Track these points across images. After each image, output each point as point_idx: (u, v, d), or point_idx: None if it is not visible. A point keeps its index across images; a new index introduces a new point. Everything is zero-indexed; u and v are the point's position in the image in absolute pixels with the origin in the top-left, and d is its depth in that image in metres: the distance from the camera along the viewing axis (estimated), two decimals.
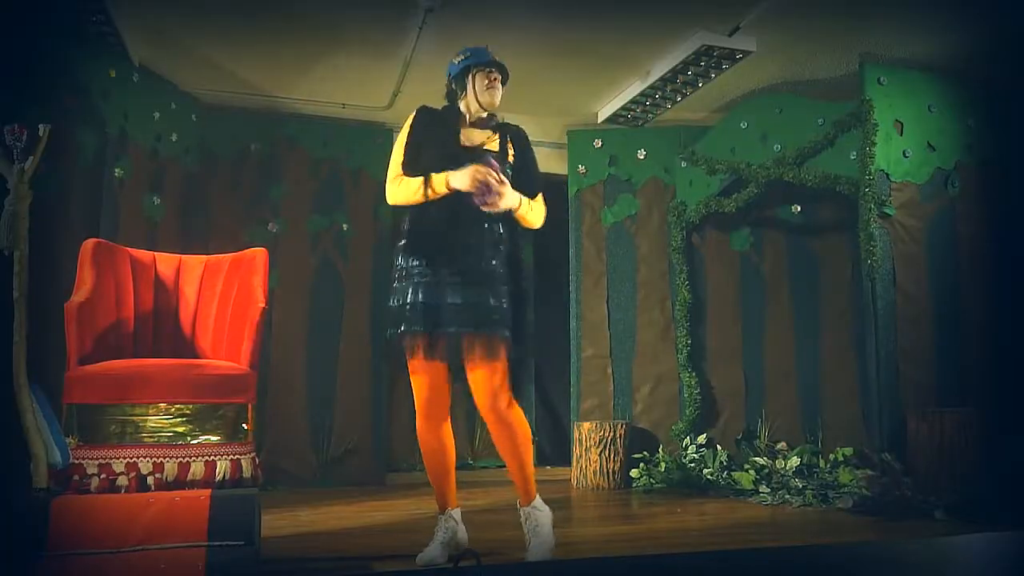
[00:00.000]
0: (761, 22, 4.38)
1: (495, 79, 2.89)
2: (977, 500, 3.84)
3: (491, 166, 2.68)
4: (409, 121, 2.93)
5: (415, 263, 2.79)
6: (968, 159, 4.77)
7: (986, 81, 4.85)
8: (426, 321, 2.71)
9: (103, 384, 2.74)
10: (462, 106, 2.94)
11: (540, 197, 2.94)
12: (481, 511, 4.13)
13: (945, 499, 3.88)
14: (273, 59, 4.84)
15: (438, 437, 2.89)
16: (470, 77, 2.90)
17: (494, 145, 2.90)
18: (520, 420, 2.82)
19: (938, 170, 4.70)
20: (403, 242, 2.87)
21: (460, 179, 2.67)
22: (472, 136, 2.92)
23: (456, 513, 2.95)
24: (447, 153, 2.79)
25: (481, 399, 2.74)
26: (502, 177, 2.71)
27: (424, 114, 2.94)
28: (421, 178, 2.75)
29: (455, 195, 2.71)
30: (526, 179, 2.90)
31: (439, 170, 2.73)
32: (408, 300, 2.77)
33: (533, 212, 2.88)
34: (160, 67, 4.84)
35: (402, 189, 2.82)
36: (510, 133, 2.97)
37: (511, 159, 2.90)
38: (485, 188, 2.65)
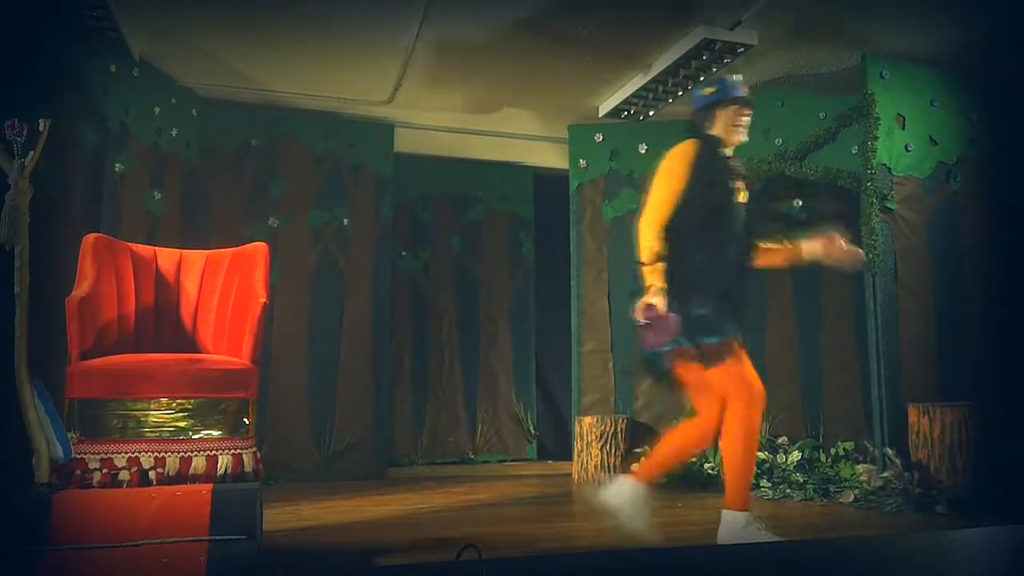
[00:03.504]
0: (762, 16, 4.36)
1: (743, 112, 2.91)
2: (978, 494, 3.84)
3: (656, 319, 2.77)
4: (688, 158, 2.87)
5: (710, 274, 2.87)
6: (970, 154, 4.75)
7: (989, 75, 4.83)
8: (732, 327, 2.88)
9: (104, 379, 2.74)
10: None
11: None
12: (483, 505, 4.14)
13: (946, 493, 3.89)
14: (274, 53, 4.84)
15: None
16: (717, 111, 2.92)
17: (743, 196, 2.97)
18: None
19: (940, 164, 4.69)
20: (698, 256, 2.89)
21: (651, 295, 2.75)
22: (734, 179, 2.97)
23: None
24: (724, 199, 2.89)
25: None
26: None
27: (706, 152, 2.90)
28: (655, 256, 2.80)
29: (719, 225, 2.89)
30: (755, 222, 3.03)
31: (712, 216, 2.86)
32: (713, 310, 2.85)
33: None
34: (160, 62, 4.83)
35: (645, 242, 2.84)
36: (747, 184, 3.03)
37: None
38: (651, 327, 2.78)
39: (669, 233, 2.82)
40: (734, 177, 2.95)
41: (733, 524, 2.86)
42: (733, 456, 2.87)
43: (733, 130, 2.91)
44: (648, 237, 2.81)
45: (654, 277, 2.76)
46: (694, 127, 2.98)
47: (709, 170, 2.86)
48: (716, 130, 2.93)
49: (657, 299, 2.72)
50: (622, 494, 2.96)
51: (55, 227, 3.89)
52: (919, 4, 4.26)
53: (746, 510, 2.87)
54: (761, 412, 2.88)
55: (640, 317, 2.76)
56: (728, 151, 2.97)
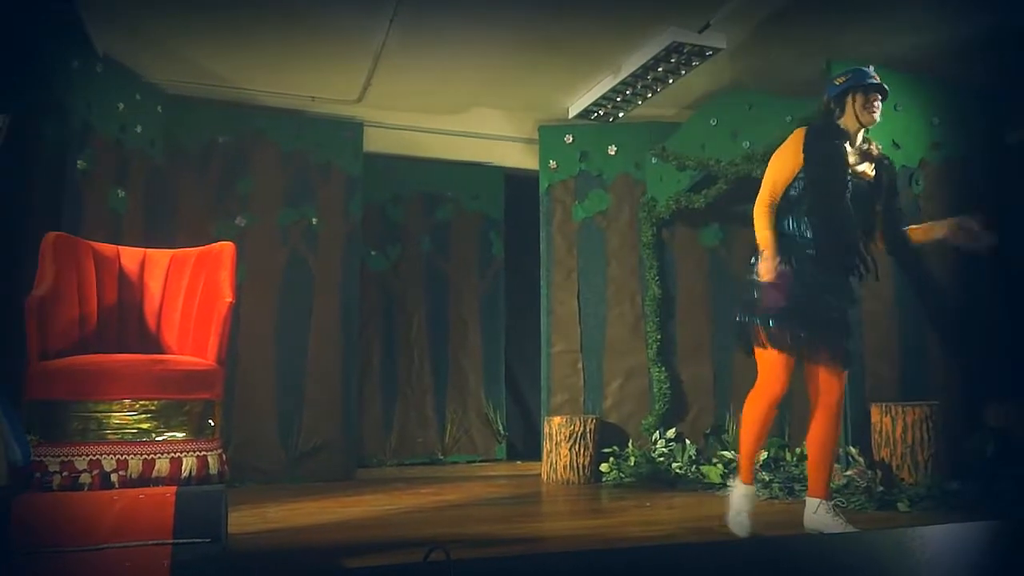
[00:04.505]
0: (731, 19, 4.41)
1: (875, 98, 3.11)
2: (939, 492, 3.91)
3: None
4: (798, 143, 3.10)
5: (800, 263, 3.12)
6: (932, 157, 4.84)
7: (951, 79, 4.92)
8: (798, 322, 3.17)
9: (65, 380, 2.69)
10: (841, 125, 3.16)
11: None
12: (452, 506, 4.14)
13: (908, 491, 3.95)
14: (241, 50, 4.78)
15: None
16: (849, 97, 3.12)
17: (870, 172, 3.16)
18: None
19: (902, 168, 4.76)
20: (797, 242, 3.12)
21: (764, 267, 3.04)
22: (853, 160, 3.14)
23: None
24: (838, 180, 3.07)
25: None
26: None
27: (814, 138, 3.10)
28: (768, 237, 3.07)
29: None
30: (893, 214, 3.21)
31: (826, 198, 3.06)
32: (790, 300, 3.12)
33: None
34: (125, 57, 4.75)
35: (760, 226, 3.11)
36: (883, 166, 3.21)
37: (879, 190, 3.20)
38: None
39: (776, 215, 3.12)
40: (861, 160, 3.17)
41: (735, 489, 3.22)
42: (742, 426, 3.21)
43: (865, 111, 3.13)
44: (757, 220, 3.12)
45: (765, 254, 3.04)
46: (824, 115, 3.21)
47: (819, 156, 3.07)
48: (848, 115, 3.16)
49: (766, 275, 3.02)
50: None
51: (15, 225, 3.81)
52: (883, 9, 4.33)
53: (747, 482, 3.19)
54: (764, 405, 3.11)
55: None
56: (859, 136, 3.19)
